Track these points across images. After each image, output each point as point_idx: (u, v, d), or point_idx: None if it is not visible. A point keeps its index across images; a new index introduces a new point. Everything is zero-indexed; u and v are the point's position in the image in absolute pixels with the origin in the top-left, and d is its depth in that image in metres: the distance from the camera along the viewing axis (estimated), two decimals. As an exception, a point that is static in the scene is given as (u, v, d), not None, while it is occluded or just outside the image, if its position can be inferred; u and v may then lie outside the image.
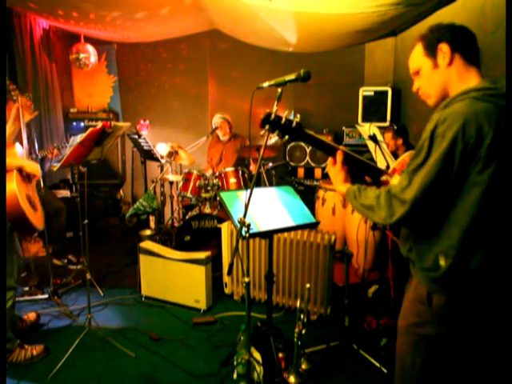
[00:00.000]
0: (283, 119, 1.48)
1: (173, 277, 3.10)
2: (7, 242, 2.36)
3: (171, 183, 4.45)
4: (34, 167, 2.32)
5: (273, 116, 1.48)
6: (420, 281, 1.34)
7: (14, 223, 2.16)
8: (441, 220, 1.25)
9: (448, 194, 1.22)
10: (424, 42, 1.40)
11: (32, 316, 2.80)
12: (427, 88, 1.38)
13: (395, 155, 3.62)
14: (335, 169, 1.53)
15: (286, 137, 1.51)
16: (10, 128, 2.55)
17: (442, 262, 1.24)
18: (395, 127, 3.70)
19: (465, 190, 1.20)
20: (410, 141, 3.68)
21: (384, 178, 1.51)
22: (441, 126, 1.18)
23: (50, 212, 3.54)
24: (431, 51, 1.36)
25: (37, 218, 2.27)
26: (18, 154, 2.36)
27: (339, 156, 1.51)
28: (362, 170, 1.56)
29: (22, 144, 2.53)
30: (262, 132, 1.50)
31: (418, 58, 1.42)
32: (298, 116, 1.54)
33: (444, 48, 1.32)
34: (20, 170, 2.23)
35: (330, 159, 1.55)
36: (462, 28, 1.34)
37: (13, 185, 2.10)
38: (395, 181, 1.46)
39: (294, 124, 1.49)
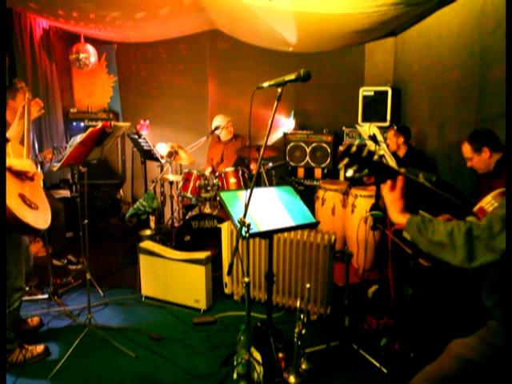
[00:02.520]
0: (365, 151, 1.30)
1: (173, 277, 3.10)
2: (13, 243, 2.35)
3: (171, 183, 4.45)
4: (24, 164, 2.24)
5: (354, 148, 1.30)
6: (503, 331, 1.21)
7: (7, 225, 2.13)
8: None
9: None
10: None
11: (35, 320, 2.80)
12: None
13: (396, 155, 3.62)
14: (394, 195, 1.33)
15: (366, 171, 1.31)
16: (16, 126, 2.50)
17: None
18: (398, 126, 3.71)
19: None
20: (410, 142, 3.68)
21: (470, 219, 1.29)
22: None
23: None
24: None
25: (36, 217, 2.24)
26: (11, 153, 2.32)
27: (400, 181, 1.31)
28: (432, 202, 1.36)
29: (22, 142, 2.50)
30: (339, 165, 1.32)
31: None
32: (384, 146, 1.38)
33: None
34: (9, 169, 2.17)
35: (388, 183, 1.34)
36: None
37: (5, 189, 2.08)
38: (472, 218, 1.29)
39: (376, 157, 1.30)
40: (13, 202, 2.06)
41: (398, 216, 1.33)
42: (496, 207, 1.17)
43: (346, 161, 1.31)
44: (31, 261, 2.65)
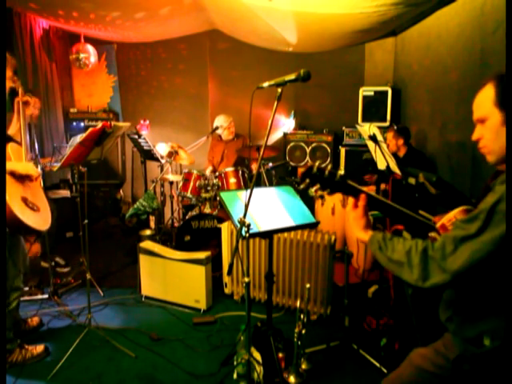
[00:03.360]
0: (326, 172, 1.34)
1: (173, 277, 3.10)
2: (12, 244, 2.35)
3: (171, 183, 4.45)
4: (27, 167, 2.24)
5: (315, 169, 1.35)
6: (456, 343, 1.24)
7: (10, 228, 2.14)
8: (492, 296, 1.12)
9: (501, 272, 1.08)
10: (498, 88, 1.13)
11: (35, 320, 2.80)
12: (491, 143, 1.17)
13: (396, 156, 3.61)
14: (356, 213, 1.36)
15: (328, 190, 1.36)
16: (16, 124, 2.49)
17: (487, 342, 1.12)
18: (397, 127, 3.70)
19: None
20: (410, 142, 3.68)
21: (432, 235, 1.31)
22: (504, 203, 1.02)
23: None
24: (503, 102, 1.11)
25: (38, 219, 2.24)
26: (12, 155, 2.32)
27: (362, 200, 1.34)
28: (396, 218, 1.37)
29: (20, 143, 2.48)
30: (301, 186, 1.38)
31: (486, 104, 1.16)
32: (342, 168, 1.42)
33: None
34: (12, 174, 2.17)
35: (350, 200, 1.37)
36: None
37: (5, 190, 2.08)
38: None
39: (338, 177, 1.34)
40: (16, 207, 2.07)
41: (360, 233, 1.36)
42: (452, 228, 1.16)
43: (307, 181, 1.37)
44: (27, 260, 2.65)
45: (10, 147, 2.29)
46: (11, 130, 2.47)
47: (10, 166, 2.16)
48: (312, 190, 1.40)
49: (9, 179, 2.13)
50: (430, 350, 1.35)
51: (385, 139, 3.70)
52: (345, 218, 3.82)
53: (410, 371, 1.36)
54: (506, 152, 1.08)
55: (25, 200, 2.19)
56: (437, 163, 3.67)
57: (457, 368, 1.22)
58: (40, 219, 2.25)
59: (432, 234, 1.31)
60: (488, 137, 1.17)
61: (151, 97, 5.48)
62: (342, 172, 1.35)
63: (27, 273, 2.68)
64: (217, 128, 4.31)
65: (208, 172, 4.31)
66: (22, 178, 2.22)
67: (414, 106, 4.30)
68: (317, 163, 1.37)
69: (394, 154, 3.61)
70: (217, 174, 3.85)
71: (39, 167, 3.49)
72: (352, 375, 2.36)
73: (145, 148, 4.26)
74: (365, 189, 1.37)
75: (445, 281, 1.09)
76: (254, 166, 4.07)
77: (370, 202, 1.35)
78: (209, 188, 3.69)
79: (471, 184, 2.99)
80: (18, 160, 2.29)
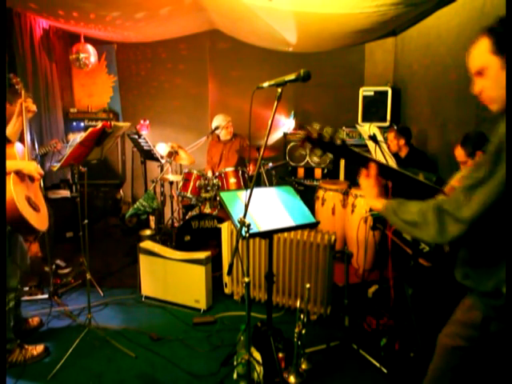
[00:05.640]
0: (327, 136, 1.36)
1: (173, 277, 3.10)
2: (10, 243, 2.35)
3: (171, 183, 4.45)
4: (31, 167, 2.27)
5: (315, 135, 1.36)
6: (476, 305, 1.24)
7: (13, 227, 2.15)
8: (503, 244, 1.13)
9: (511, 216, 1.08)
10: (492, 37, 1.18)
11: (36, 320, 2.81)
12: (493, 91, 1.19)
13: (398, 156, 3.61)
14: (369, 182, 1.38)
15: (330, 156, 1.42)
16: (14, 124, 2.49)
17: (505, 290, 1.13)
18: (398, 127, 3.70)
19: None
20: (411, 142, 3.68)
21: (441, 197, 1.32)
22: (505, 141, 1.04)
23: None
24: (502, 48, 1.14)
25: (39, 219, 2.25)
26: (17, 154, 2.33)
27: (372, 169, 1.37)
28: (407, 186, 1.40)
29: (23, 142, 2.49)
30: (303, 152, 1.43)
31: (483, 55, 1.20)
32: (343, 132, 1.43)
33: None
34: (17, 173, 2.19)
35: (363, 171, 1.40)
36: None
37: (10, 189, 2.09)
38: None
39: (340, 142, 1.36)
40: (22, 205, 2.08)
41: (374, 201, 1.38)
42: (462, 181, 1.17)
43: (309, 146, 1.38)
44: (28, 259, 2.65)
45: (15, 148, 2.31)
46: (7, 131, 2.46)
47: (15, 164, 2.17)
48: (316, 153, 1.38)
49: (14, 178, 2.14)
50: (454, 326, 1.33)
51: (385, 139, 3.71)
52: (345, 218, 3.82)
53: (444, 356, 1.33)
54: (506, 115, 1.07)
55: (28, 199, 2.20)
56: (438, 163, 3.67)
57: (485, 330, 1.20)
58: (40, 219, 2.26)
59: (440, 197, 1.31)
60: (489, 85, 1.19)
61: (151, 97, 5.48)
62: (342, 136, 1.36)
63: (28, 272, 2.68)
64: (217, 128, 4.31)
65: (208, 175, 4.32)
66: (25, 177, 2.23)
67: (414, 106, 4.30)
68: (317, 127, 1.38)
69: (396, 155, 3.61)
70: (217, 173, 3.85)
71: (39, 167, 3.48)
72: (352, 375, 2.36)
73: (145, 148, 4.26)
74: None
75: (462, 231, 1.09)
76: (252, 167, 4.08)
77: (381, 171, 1.36)
78: (209, 188, 3.69)
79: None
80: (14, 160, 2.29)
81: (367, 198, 1.41)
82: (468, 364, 1.27)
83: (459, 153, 2.35)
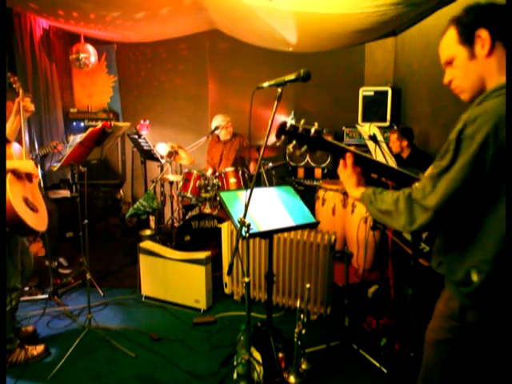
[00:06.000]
0: (300, 128, 1.36)
1: (173, 277, 3.10)
2: (11, 243, 2.35)
3: (171, 183, 4.45)
4: (28, 166, 2.23)
5: (288, 126, 1.36)
6: (452, 295, 1.24)
7: (10, 228, 2.13)
8: (472, 231, 1.13)
9: (479, 202, 1.09)
10: (458, 27, 1.16)
11: (30, 329, 2.74)
12: (461, 81, 1.20)
13: (400, 157, 3.61)
14: (346, 172, 1.41)
15: (305, 147, 1.39)
16: (12, 123, 2.47)
17: (475, 278, 1.13)
18: (400, 128, 3.70)
19: (500, 198, 1.06)
20: (414, 143, 3.67)
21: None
22: (470, 127, 1.04)
23: None
24: (467, 38, 1.14)
25: (37, 220, 2.24)
26: (14, 153, 2.30)
27: (348, 159, 1.39)
28: (384, 175, 1.43)
29: (20, 142, 2.47)
30: (278, 143, 1.44)
31: (450, 45, 1.20)
32: (316, 124, 1.39)
33: (483, 35, 1.11)
34: (14, 172, 2.16)
35: (340, 162, 1.42)
36: (504, 9, 1.10)
37: (6, 189, 2.08)
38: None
39: (313, 133, 1.37)
40: (18, 206, 2.06)
41: (352, 190, 1.40)
42: (431, 168, 1.18)
43: (283, 138, 1.38)
44: (32, 259, 2.63)
45: (12, 147, 2.29)
46: (6, 129, 2.45)
47: (11, 164, 2.15)
48: (289, 147, 1.40)
49: (11, 178, 2.12)
50: (436, 319, 1.33)
51: (386, 139, 3.71)
52: (345, 218, 3.82)
53: (431, 351, 1.33)
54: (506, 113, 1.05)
55: (25, 200, 2.19)
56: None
57: (464, 320, 1.19)
58: (38, 220, 2.25)
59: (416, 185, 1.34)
60: (458, 75, 1.21)
61: (151, 97, 5.48)
62: (315, 127, 1.36)
63: (30, 273, 2.66)
64: (216, 128, 4.31)
65: (208, 174, 4.32)
66: (20, 177, 2.21)
67: (415, 106, 4.30)
68: (290, 118, 1.40)
69: (398, 155, 3.61)
70: (217, 173, 3.85)
71: (39, 168, 3.48)
72: (352, 375, 2.36)
73: (145, 148, 4.26)
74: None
75: (428, 219, 1.12)
76: (253, 167, 4.08)
77: (356, 160, 1.39)
78: (209, 188, 3.69)
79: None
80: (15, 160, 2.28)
81: (347, 187, 1.43)
82: (457, 356, 1.25)
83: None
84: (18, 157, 2.33)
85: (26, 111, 2.48)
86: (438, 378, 1.29)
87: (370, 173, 1.43)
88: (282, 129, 1.38)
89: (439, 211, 1.10)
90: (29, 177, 2.29)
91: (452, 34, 1.19)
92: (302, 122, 1.39)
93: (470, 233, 1.15)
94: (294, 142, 1.39)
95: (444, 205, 1.09)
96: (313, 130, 1.37)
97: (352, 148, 1.41)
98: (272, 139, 5.21)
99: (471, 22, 1.13)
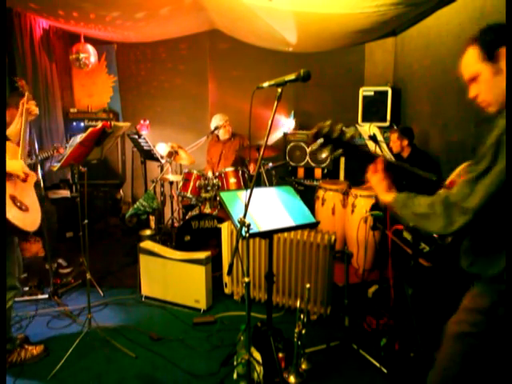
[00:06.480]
0: (336, 132, 1.40)
1: (173, 277, 3.10)
2: (7, 242, 2.34)
3: (171, 183, 4.44)
4: (16, 166, 2.21)
5: (327, 129, 1.40)
6: (484, 291, 1.30)
7: None
8: (505, 231, 1.21)
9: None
10: (480, 47, 1.27)
11: (20, 336, 2.63)
12: (488, 95, 1.28)
13: (400, 157, 3.61)
14: (377, 177, 1.47)
15: (340, 151, 1.42)
16: (16, 124, 2.46)
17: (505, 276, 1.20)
18: (400, 128, 3.69)
19: None
20: (414, 143, 3.67)
21: (442, 191, 1.39)
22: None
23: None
24: (490, 56, 1.24)
25: (26, 220, 2.22)
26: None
27: (380, 163, 1.45)
28: (410, 181, 1.49)
29: (19, 143, 2.46)
30: (314, 146, 1.42)
31: (473, 63, 1.28)
32: (352, 129, 1.45)
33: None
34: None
35: (370, 167, 1.48)
36: None
37: (5, 189, 2.08)
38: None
39: (347, 137, 1.41)
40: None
41: (383, 195, 1.45)
42: (464, 175, 1.26)
43: (321, 141, 1.42)
44: (20, 258, 2.63)
45: (7, 145, 2.28)
46: (9, 131, 2.45)
47: None
48: (325, 150, 1.42)
49: None
50: (461, 313, 1.38)
51: (386, 139, 3.71)
52: (345, 218, 3.82)
53: (452, 344, 1.37)
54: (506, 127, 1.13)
55: (13, 198, 2.18)
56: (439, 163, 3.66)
57: (493, 315, 1.25)
58: (27, 219, 2.23)
59: (441, 191, 1.38)
60: (483, 90, 1.29)
61: (151, 97, 5.48)
62: (352, 132, 1.41)
63: (20, 272, 2.65)
64: (216, 128, 4.31)
65: (209, 175, 4.32)
66: (11, 176, 2.21)
67: (414, 106, 4.30)
68: (328, 122, 1.42)
69: (398, 155, 3.60)
70: (217, 173, 3.85)
71: (39, 168, 3.47)
72: (352, 375, 2.36)
73: (145, 148, 4.26)
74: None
75: (467, 221, 1.18)
76: (252, 167, 4.08)
77: (387, 166, 1.45)
78: (209, 188, 3.69)
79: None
80: (12, 159, 2.27)
81: (378, 192, 1.48)
82: (478, 351, 1.30)
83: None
84: (12, 157, 2.32)
85: (29, 114, 2.49)
86: (456, 372, 1.34)
87: (398, 178, 1.48)
88: (319, 132, 1.41)
89: (478, 213, 1.17)
90: (19, 178, 2.27)
91: (473, 52, 1.28)
92: (340, 126, 1.42)
93: (503, 233, 1.21)
94: (330, 147, 1.42)
95: (483, 206, 1.16)
96: (348, 135, 1.41)
97: (380, 154, 1.46)
98: (272, 139, 5.22)
99: (493, 41, 1.24)
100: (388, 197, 1.43)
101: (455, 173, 1.50)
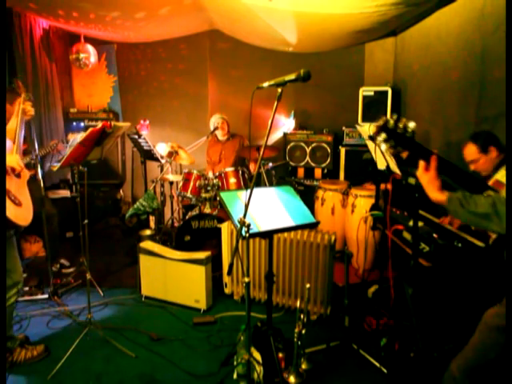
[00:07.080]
0: (400, 126, 1.38)
1: (173, 277, 3.10)
2: (6, 237, 2.34)
3: (171, 183, 4.45)
4: (11, 160, 2.23)
5: (392, 123, 1.37)
6: None
7: None
8: None
9: None
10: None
11: (21, 336, 2.65)
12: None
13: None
14: (429, 175, 1.44)
15: (399, 148, 1.41)
16: (12, 123, 2.47)
17: None
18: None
19: None
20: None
21: (490, 193, 1.41)
22: None
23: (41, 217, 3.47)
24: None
25: (19, 214, 2.24)
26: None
27: (433, 162, 1.42)
28: (457, 180, 1.45)
29: (14, 141, 2.46)
30: (378, 140, 1.39)
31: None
32: (414, 124, 1.39)
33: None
34: None
35: (421, 164, 1.45)
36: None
37: (5, 189, 2.09)
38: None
39: (410, 133, 1.39)
40: None
41: (436, 194, 1.43)
42: None
43: (383, 136, 1.38)
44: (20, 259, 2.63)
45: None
46: (8, 127, 2.46)
47: None
48: (386, 147, 1.39)
49: None
50: (504, 307, 1.40)
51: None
52: (345, 218, 3.82)
53: (491, 334, 1.42)
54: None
55: (7, 192, 2.20)
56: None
57: None
58: (20, 214, 2.25)
59: (489, 193, 1.41)
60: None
61: (151, 97, 5.48)
62: (413, 127, 1.37)
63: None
64: (216, 128, 4.33)
65: (210, 175, 4.33)
66: (8, 171, 2.22)
67: (415, 106, 4.29)
68: (394, 116, 1.38)
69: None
70: (217, 173, 3.85)
71: (39, 168, 3.47)
72: (352, 375, 2.36)
73: (145, 148, 4.26)
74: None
75: None
76: (252, 167, 4.08)
77: (439, 165, 1.43)
78: (209, 188, 3.69)
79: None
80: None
81: (429, 191, 1.45)
82: None
83: (470, 150, 2.31)
84: (8, 153, 2.33)
85: (25, 114, 2.49)
86: (492, 358, 1.42)
87: (448, 177, 1.46)
88: (384, 126, 1.38)
89: None
90: (14, 171, 2.29)
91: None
92: (404, 120, 1.39)
93: None
94: (392, 142, 1.40)
95: None
96: (410, 130, 1.39)
97: (435, 150, 1.44)
98: (272, 139, 5.22)
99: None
100: (441, 196, 1.41)
101: (500, 173, 1.76)
